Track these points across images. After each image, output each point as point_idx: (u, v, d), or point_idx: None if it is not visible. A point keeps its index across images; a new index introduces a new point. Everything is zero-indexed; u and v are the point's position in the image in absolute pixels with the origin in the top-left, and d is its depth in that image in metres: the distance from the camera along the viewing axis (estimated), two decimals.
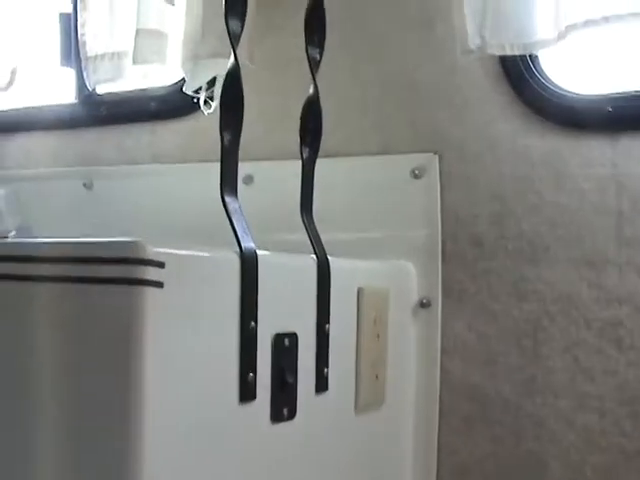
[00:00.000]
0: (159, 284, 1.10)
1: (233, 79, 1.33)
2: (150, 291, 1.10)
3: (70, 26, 2.36)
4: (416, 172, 1.87)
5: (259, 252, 1.31)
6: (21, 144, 2.48)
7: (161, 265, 1.11)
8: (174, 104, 2.20)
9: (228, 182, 1.31)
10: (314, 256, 1.50)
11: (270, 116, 2.05)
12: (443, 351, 1.87)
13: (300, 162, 1.55)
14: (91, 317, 1.13)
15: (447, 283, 1.87)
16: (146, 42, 2.03)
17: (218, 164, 2.11)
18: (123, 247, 1.11)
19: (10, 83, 2.36)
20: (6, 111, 2.55)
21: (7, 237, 2.29)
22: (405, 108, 1.91)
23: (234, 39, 1.33)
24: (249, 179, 2.02)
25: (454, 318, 1.86)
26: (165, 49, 2.04)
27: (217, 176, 2.10)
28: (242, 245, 1.28)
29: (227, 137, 1.30)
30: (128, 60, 2.14)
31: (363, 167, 1.92)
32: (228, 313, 1.25)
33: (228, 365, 1.26)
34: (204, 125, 2.13)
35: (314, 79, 1.55)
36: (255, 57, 1.96)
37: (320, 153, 1.56)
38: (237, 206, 1.30)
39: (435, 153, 1.87)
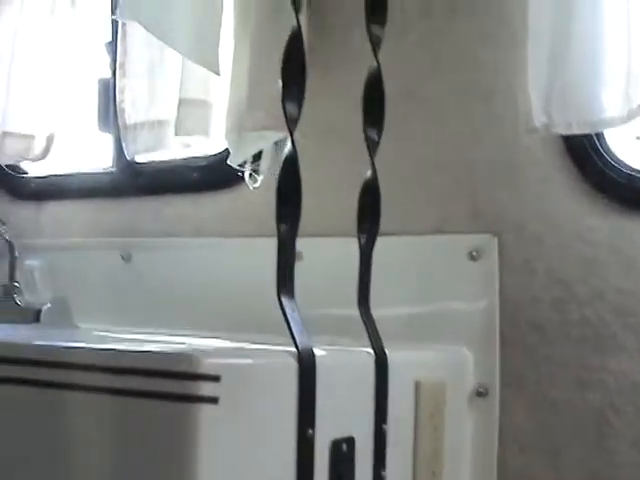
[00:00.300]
0: (214, 400, 1.04)
1: (290, 168, 1.26)
2: (204, 408, 1.03)
3: (109, 92, 2.30)
4: (473, 254, 1.78)
5: (317, 352, 1.23)
6: (57, 212, 2.41)
7: (216, 379, 1.04)
8: (217, 175, 2.14)
9: (284, 280, 1.22)
10: (371, 350, 1.43)
11: (319, 190, 1.97)
12: (501, 442, 1.78)
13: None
14: (140, 431, 1.06)
15: (505, 370, 1.78)
16: (189, 112, 1.96)
17: (261, 239, 2.06)
18: (177, 360, 1.04)
19: (46, 151, 2.29)
20: (42, 178, 2.48)
21: (41, 310, 2.22)
22: (463, 186, 1.83)
23: (291, 124, 1.26)
24: (298, 256, 1.94)
25: (513, 407, 1.77)
26: (209, 120, 1.98)
27: (260, 252, 2.04)
28: (300, 348, 1.20)
29: (284, 229, 1.23)
30: (169, 129, 2.07)
31: (418, 247, 1.84)
32: (285, 420, 1.19)
33: (285, 475, 1.19)
34: (248, 198, 2.06)
35: (372, 162, 1.47)
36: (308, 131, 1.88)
37: None
38: (294, 306, 1.22)
39: (494, 234, 1.78)
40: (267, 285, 1.99)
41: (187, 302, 2.13)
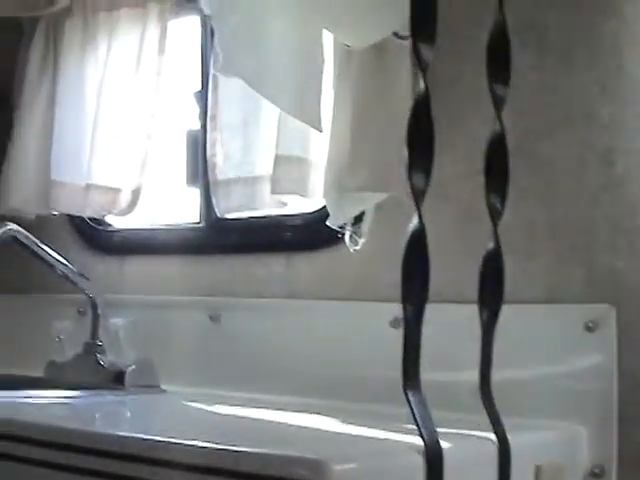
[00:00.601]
0: None
1: (417, 244, 1.16)
2: None
3: (197, 144, 2.22)
4: (590, 325, 1.67)
5: (443, 444, 1.13)
6: (142, 268, 2.34)
7: None
8: (312, 234, 2.05)
9: (411, 372, 1.12)
10: (493, 437, 1.34)
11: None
12: None
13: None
14: None
15: (624, 450, 1.66)
16: (286, 170, 1.88)
17: (359, 303, 1.97)
18: (304, 466, 0.94)
19: (132, 204, 2.22)
20: (127, 231, 2.41)
21: (125, 372, 2.14)
22: (578, 252, 1.72)
23: (418, 197, 1.16)
24: (398, 322, 1.85)
25: None
26: (307, 178, 1.89)
27: (357, 316, 1.96)
28: (427, 445, 1.10)
29: (409, 310, 1.12)
30: (264, 186, 1.99)
31: (529, 316, 1.74)
32: None
33: None
34: (345, 259, 1.97)
35: (496, 233, 1.37)
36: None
37: None
38: (421, 400, 1.12)
39: (612, 304, 1.67)
40: (362, 350, 1.93)
41: (277, 366, 2.04)
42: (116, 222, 2.43)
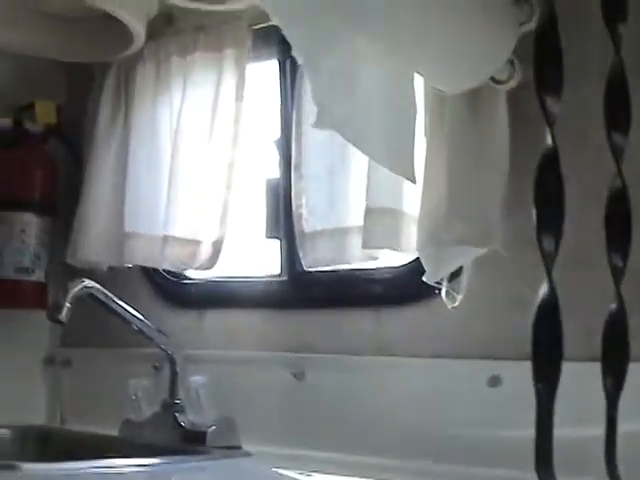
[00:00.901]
0: None
1: (548, 311, 1.07)
2: None
3: (278, 194, 2.15)
4: None
5: None
6: (221, 322, 2.27)
7: None
8: (403, 288, 1.96)
9: (544, 456, 1.03)
10: None
11: (511, 306, 1.79)
12: None
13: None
14: None
15: None
16: (378, 223, 1.80)
17: (454, 361, 1.88)
18: None
19: (214, 258, 2.15)
20: (205, 284, 2.34)
21: (207, 432, 2.06)
22: None
23: (549, 260, 1.07)
24: (496, 381, 1.76)
25: None
26: (399, 231, 1.81)
27: (452, 375, 1.87)
28: None
29: (542, 390, 1.03)
30: (353, 238, 1.92)
31: None
32: None
33: None
34: (439, 314, 1.88)
35: (618, 292, 1.28)
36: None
37: None
38: None
39: None
40: (457, 410, 1.84)
41: (364, 426, 1.96)
42: (193, 274, 2.36)
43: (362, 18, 1.41)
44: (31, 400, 2.58)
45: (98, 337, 2.50)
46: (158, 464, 1.81)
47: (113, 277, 2.35)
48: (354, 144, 1.61)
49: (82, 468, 1.68)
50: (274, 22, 1.62)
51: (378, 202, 1.81)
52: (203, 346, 2.29)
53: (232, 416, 2.11)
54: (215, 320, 2.29)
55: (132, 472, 1.73)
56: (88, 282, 2.04)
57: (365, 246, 1.83)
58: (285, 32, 1.52)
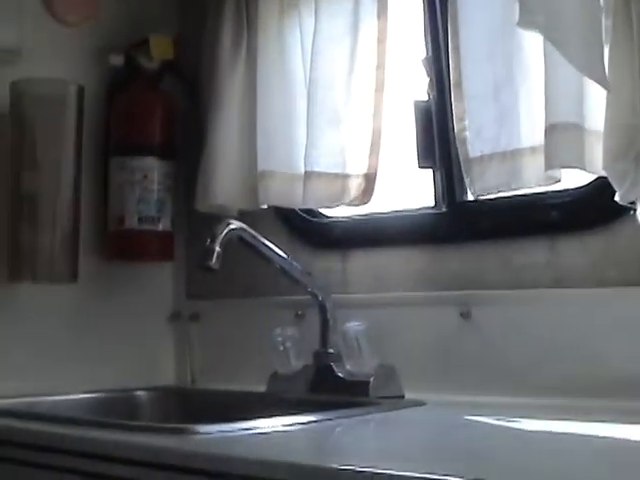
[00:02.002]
0: None
1: None
2: None
3: (431, 117, 2.03)
4: None
5: None
6: (369, 262, 2.17)
7: None
8: (584, 213, 1.84)
9: None
10: None
11: None
12: None
13: None
14: None
15: None
16: (562, 140, 1.68)
17: None
18: None
19: (367, 192, 2.04)
20: (348, 222, 2.24)
21: (369, 382, 1.97)
22: None
23: None
24: None
25: None
26: (584, 148, 1.68)
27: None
28: None
29: None
30: (526, 160, 1.80)
31: None
32: None
33: None
34: (626, 238, 1.76)
35: None
36: None
37: None
38: None
39: None
40: None
41: (540, 366, 1.86)
42: (334, 212, 2.25)
43: None
44: (158, 359, 2.50)
45: (229, 287, 2.41)
46: (324, 420, 1.70)
47: (245, 221, 2.25)
48: (557, 47, 1.53)
49: (256, 427, 1.58)
50: None
51: (560, 117, 1.69)
52: (348, 290, 2.18)
53: (392, 363, 2.00)
54: (362, 261, 2.19)
55: (297, 430, 1.63)
56: (235, 223, 1.94)
57: (549, 166, 1.71)
58: None
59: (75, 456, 1.56)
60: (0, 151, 2.19)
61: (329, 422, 1.70)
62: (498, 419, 1.67)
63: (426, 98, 2.06)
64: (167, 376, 2.52)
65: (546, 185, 1.81)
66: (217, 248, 1.87)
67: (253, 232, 1.98)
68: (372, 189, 2.03)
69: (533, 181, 1.80)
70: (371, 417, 1.79)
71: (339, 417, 1.73)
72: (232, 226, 1.93)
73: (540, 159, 1.76)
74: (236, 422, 1.58)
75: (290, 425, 1.63)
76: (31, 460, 1.65)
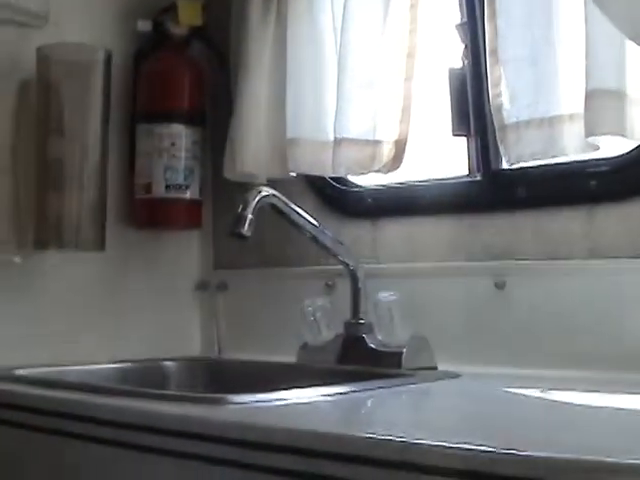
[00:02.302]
0: None
1: None
2: None
3: (465, 84, 2.00)
4: None
5: None
6: (401, 231, 2.13)
7: None
8: (622, 183, 1.81)
9: None
10: None
11: None
12: None
13: None
14: None
15: None
16: (603, 107, 1.65)
17: None
18: None
19: (398, 159, 2.01)
20: (382, 190, 2.21)
21: (401, 353, 1.94)
22: None
23: None
24: None
25: None
26: (626, 115, 1.65)
27: None
28: None
29: None
30: (564, 127, 1.76)
31: None
32: None
33: None
34: None
35: None
36: None
37: None
38: None
39: None
40: None
41: (575, 338, 1.84)
42: (364, 181, 2.22)
43: None
44: (184, 329, 2.48)
45: (257, 257, 2.39)
46: (360, 390, 1.67)
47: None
48: (599, 7, 1.50)
49: (291, 397, 1.56)
50: None
51: (601, 83, 1.66)
52: (379, 260, 2.16)
53: (424, 334, 1.97)
54: (392, 230, 2.16)
55: (336, 400, 1.61)
56: (266, 190, 1.91)
57: (589, 134, 1.67)
58: None
59: (106, 425, 1.54)
60: (26, 117, 2.16)
61: (366, 392, 1.67)
62: (534, 391, 1.64)
63: (460, 65, 2.02)
64: (194, 346, 2.50)
65: (584, 153, 1.77)
66: (249, 215, 1.84)
67: (285, 199, 1.94)
68: (402, 156, 2.00)
69: (571, 149, 1.76)
70: (406, 389, 1.76)
71: (375, 388, 1.71)
72: (264, 193, 1.90)
73: (579, 126, 1.72)
74: (270, 392, 1.55)
75: (329, 395, 1.60)
76: (64, 429, 1.63)
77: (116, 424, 1.52)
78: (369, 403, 1.63)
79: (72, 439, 1.60)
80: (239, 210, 1.85)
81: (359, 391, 1.66)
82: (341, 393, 1.63)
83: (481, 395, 1.68)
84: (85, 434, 1.58)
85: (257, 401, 1.52)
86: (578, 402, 1.57)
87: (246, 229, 1.84)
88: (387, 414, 1.55)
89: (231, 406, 1.50)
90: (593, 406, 1.53)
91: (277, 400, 1.53)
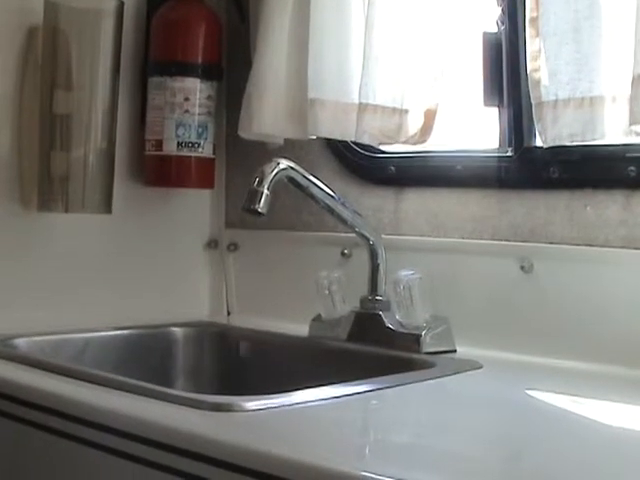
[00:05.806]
0: None
1: None
2: None
3: (501, 52, 1.91)
4: None
5: None
6: (426, 203, 2.06)
7: None
8: None
9: None
10: None
11: None
12: None
13: None
14: None
15: None
16: None
17: None
18: None
19: (426, 130, 1.92)
20: (404, 159, 2.12)
21: (420, 335, 1.88)
22: None
23: None
24: None
25: None
26: None
27: None
28: None
29: None
30: (605, 110, 1.68)
31: None
32: None
33: None
34: None
35: None
36: None
37: None
38: None
39: None
40: None
41: (603, 329, 1.78)
42: (389, 147, 2.14)
43: None
44: (193, 288, 2.42)
45: (271, 218, 2.28)
46: (374, 390, 1.58)
47: (291, 151, 2.15)
48: None
49: (304, 401, 1.49)
50: None
51: None
52: (400, 232, 2.09)
53: (446, 315, 1.91)
54: (417, 202, 2.09)
55: (349, 400, 1.53)
56: (284, 162, 1.83)
57: (634, 121, 1.59)
58: None
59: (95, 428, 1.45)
60: (31, 68, 2.07)
61: (381, 391, 1.59)
62: (560, 395, 1.58)
63: (496, 30, 1.92)
64: (202, 307, 2.44)
65: (625, 138, 1.69)
66: (266, 191, 1.77)
67: (303, 172, 1.87)
68: (431, 127, 1.93)
69: (611, 133, 1.68)
70: (424, 387, 1.67)
71: (392, 386, 1.63)
72: (282, 166, 1.82)
73: (621, 109, 1.65)
74: (282, 395, 1.47)
75: (342, 396, 1.53)
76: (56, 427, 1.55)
77: (107, 429, 1.43)
78: (388, 405, 1.55)
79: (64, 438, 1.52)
80: (254, 185, 1.77)
81: (378, 390, 1.58)
82: (360, 392, 1.54)
83: (504, 401, 1.59)
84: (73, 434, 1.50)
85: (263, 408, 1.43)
86: (605, 415, 1.50)
87: (262, 206, 1.77)
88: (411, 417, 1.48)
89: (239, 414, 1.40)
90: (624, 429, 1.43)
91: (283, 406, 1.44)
